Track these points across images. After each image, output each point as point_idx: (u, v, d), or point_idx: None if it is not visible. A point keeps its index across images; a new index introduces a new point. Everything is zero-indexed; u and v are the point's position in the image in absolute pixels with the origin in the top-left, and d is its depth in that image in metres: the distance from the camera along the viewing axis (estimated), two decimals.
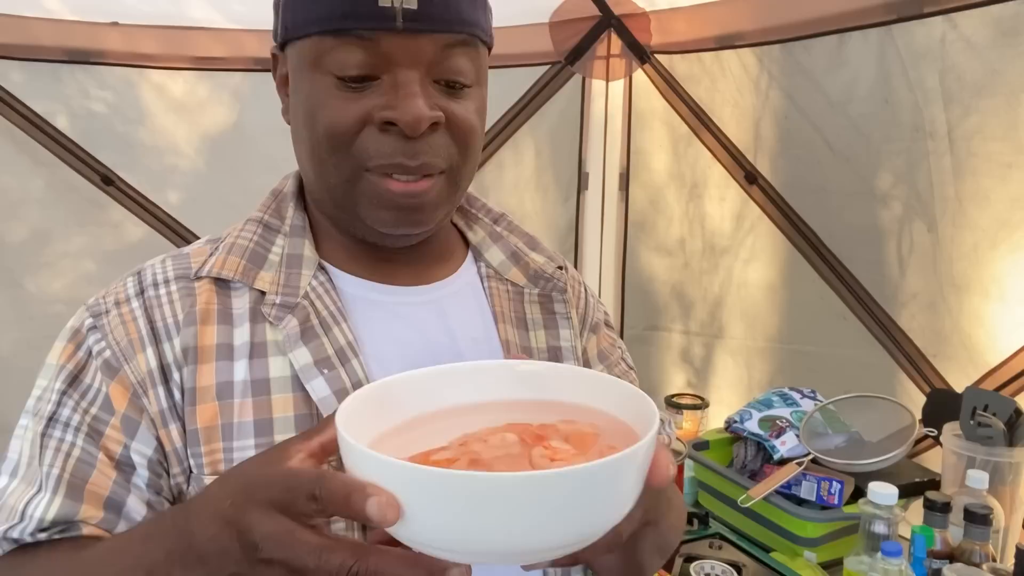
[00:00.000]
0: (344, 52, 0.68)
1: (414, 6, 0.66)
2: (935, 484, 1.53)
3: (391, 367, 0.67)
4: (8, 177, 2.28)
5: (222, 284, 0.74)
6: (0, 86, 2.17)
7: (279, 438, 0.68)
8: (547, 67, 2.53)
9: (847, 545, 1.37)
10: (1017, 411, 1.45)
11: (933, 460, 1.71)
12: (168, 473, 0.70)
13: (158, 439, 0.70)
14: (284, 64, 0.75)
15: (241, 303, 0.73)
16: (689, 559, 1.39)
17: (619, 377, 0.69)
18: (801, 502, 1.53)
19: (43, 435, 0.69)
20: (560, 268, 0.89)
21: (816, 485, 1.52)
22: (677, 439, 1.65)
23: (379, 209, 0.72)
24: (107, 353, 0.71)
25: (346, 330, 0.73)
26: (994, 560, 1.27)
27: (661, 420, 0.73)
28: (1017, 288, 1.62)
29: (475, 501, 0.44)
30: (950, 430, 1.52)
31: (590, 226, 2.72)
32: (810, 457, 1.56)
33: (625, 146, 2.61)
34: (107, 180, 2.33)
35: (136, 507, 0.69)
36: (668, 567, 1.36)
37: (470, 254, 0.87)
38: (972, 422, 1.46)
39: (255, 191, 2.69)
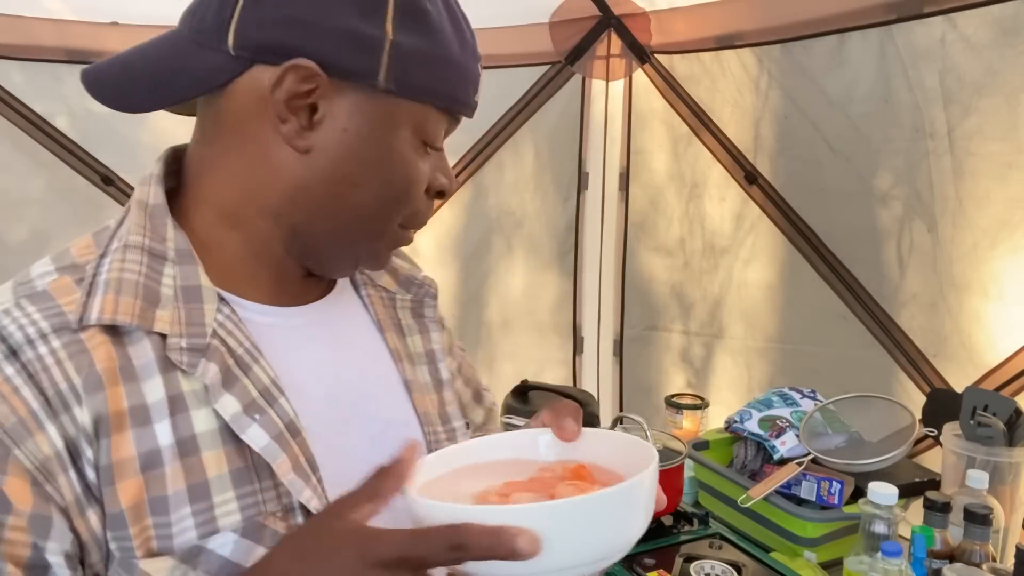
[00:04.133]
0: (442, 126, 0.72)
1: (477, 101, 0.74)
2: (935, 484, 1.53)
3: (313, 399, 0.70)
4: (8, 177, 2.28)
5: (112, 331, 0.62)
6: (0, 86, 2.18)
7: (218, 499, 0.62)
8: (547, 67, 2.54)
9: (847, 545, 1.37)
10: (1017, 411, 1.45)
11: (933, 460, 1.71)
12: (83, 564, 0.61)
13: (74, 530, 0.59)
14: (327, 90, 0.66)
15: (141, 351, 0.63)
16: (689, 559, 1.39)
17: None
18: (801, 502, 1.53)
19: None
20: (423, 275, 0.92)
21: (816, 485, 1.52)
22: (677, 439, 1.66)
23: (381, 255, 0.76)
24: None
25: (265, 366, 0.68)
26: (994, 560, 1.27)
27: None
28: (1017, 288, 1.62)
29: (602, 515, 0.56)
30: (950, 430, 1.52)
31: (590, 226, 2.72)
32: (810, 457, 1.56)
33: (625, 146, 2.61)
34: (107, 180, 2.33)
35: None
36: (668, 567, 1.36)
37: None
38: (972, 422, 1.46)
39: None
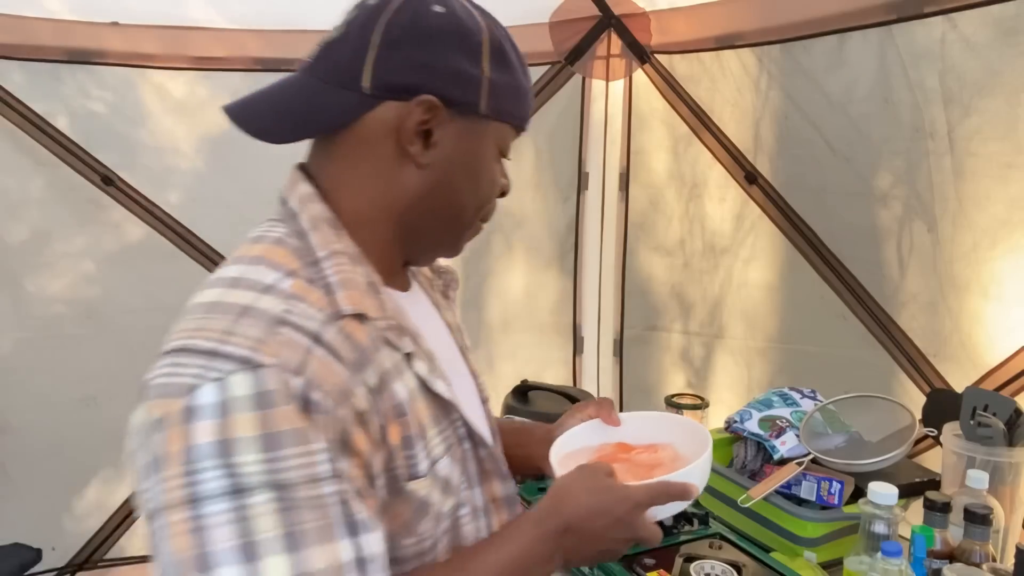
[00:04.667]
0: (512, 139, 0.92)
1: None
2: (935, 484, 1.53)
3: (439, 356, 0.91)
4: (8, 177, 2.28)
5: (352, 318, 0.78)
6: (0, 86, 2.18)
7: (430, 435, 0.84)
8: (547, 67, 2.54)
9: (847, 545, 1.37)
10: (1017, 411, 1.45)
11: (933, 460, 1.71)
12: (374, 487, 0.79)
13: (380, 464, 0.78)
14: (442, 119, 0.84)
15: (368, 331, 0.80)
16: (689, 559, 1.39)
17: None
18: (801, 502, 1.53)
19: (339, 491, 0.71)
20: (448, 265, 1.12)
21: (816, 485, 1.52)
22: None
23: (460, 245, 0.95)
24: (329, 402, 0.72)
25: (423, 340, 0.88)
26: (994, 560, 1.27)
27: None
28: (1017, 288, 1.62)
29: (708, 465, 1.00)
30: (950, 430, 1.52)
31: (590, 226, 2.72)
32: (810, 457, 1.56)
33: (625, 146, 2.61)
34: (107, 180, 2.33)
35: (378, 522, 0.75)
36: (668, 567, 1.36)
37: None
38: (972, 422, 1.46)
39: (254, 191, 2.68)
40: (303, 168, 0.89)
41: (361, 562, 0.71)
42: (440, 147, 0.85)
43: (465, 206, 0.90)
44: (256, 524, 0.66)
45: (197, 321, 0.75)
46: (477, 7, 0.88)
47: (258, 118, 0.87)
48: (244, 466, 0.66)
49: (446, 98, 0.83)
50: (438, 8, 0.83)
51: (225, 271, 0.80)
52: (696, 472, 0.95)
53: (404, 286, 0.95)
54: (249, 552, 0.65)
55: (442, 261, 1.07)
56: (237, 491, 0.66)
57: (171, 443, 0.67)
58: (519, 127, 0.92)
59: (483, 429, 0.95)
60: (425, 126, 0.83)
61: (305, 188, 0.86)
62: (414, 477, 0.81)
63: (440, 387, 0.86)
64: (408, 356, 0.83)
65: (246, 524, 0.66)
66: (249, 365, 0.69)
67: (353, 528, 0.71)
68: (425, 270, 1.07)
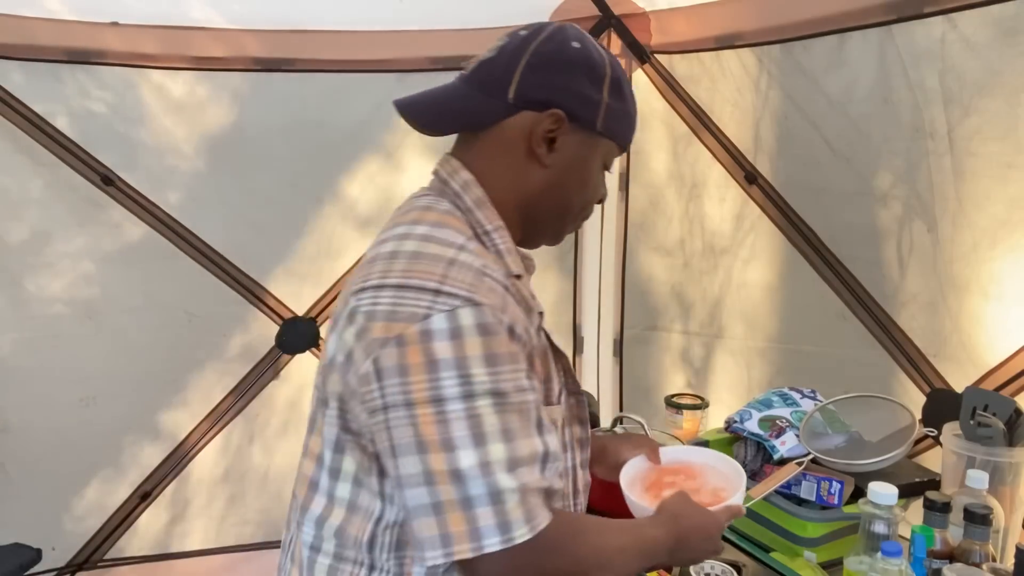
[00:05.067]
0: (615, 156, 1.14)
1: None
2: (935, 484, 1.53)
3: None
4: (8, 177, 2.28)
5: (516, 277, 1.02)
6: (0, 86, 2.17)
7: (554, 378, 1.06)
8: None
9: (847, 545, 1.37)
10: (1017, 411, 1.45)
11: (933, 460, 1.71)
12: None
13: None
14: (569, 131, 1.04)
15: (525, 289, 1.04)
16: None
17: None
18: (801, 502, 1.53)
19: (534, 401, 0.96)
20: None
21: (816, 485, 1.52)
22: (677, 439, 1.66)
23: (565, 232, 1.16)
24: (524, 334, 0.97)
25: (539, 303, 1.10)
26: (994, 560, 1.27)
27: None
28: (1017, 288, 1.62)
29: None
30: (950, 430, 1.52)
31: (590, 226, 2.72)
32: (810, 457, 1.56)
33: None
34: (107, 180, 2.33)
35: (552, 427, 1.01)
36: (668, 567, 1.36)
37: None
38: (972, 422, 1.46)
39: (255, 191, 2.69)
40: (456, 156, 1.08)
41: (546, 455, 0.95)
42: (561, 152, 1.04)
43: (573, 203, 1.10)
44: (483, 420, 0.89)
45: (407, 264, 0.94)
46: (605, 48, 1.09)
47: (423, 114, 1.07)
48: (474, 377, 0.89)
49: (571, 114, 1.03)
50: (576, 44, 1.04)
51: (409, 229, 0.99)
52: (741, 496, 1.19)
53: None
54: (479, 440, 0.89)
55: (525, 251, 1.26)
56: (469, 395, 0.89)
57: (412, 356, 0.89)
58: (623, 146, 1.13)
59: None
60: (551, 134, 1.03)
61: (467, 175, 1.04)
62: (549, 403, 1.04)
63: (559, 343, 1.11)
64: (540, 315, 1.06)
65: (476, 420, 0.89)
66: (471, 303, 0.91)
67: (541, 428, 0.96)
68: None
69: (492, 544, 0.89)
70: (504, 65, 1.03)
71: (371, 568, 0.98)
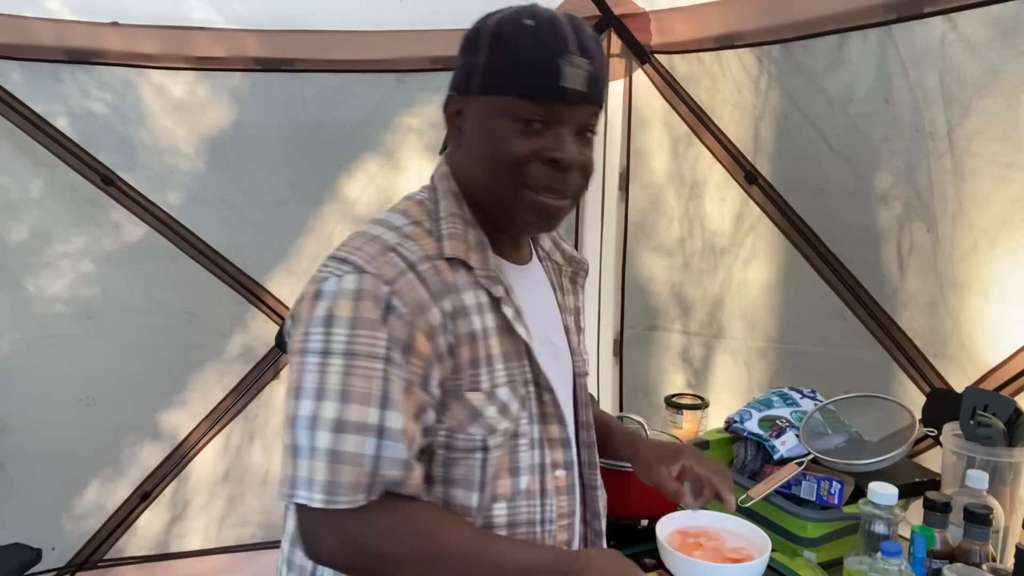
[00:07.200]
0: (531, 109, 1.00)
1: (583, 89, 1.00)
2: (935, 484, 1.53)
3: (531, 321, 1.08)
4: (8, 177, 2.28)
5: (449, 263, 1.02)
6: (0, 86, 2.17)
7: (497, 367, 1.04)
8: None
9: (847, 545, 1.37)
10: (1017, 411, 1.45)
11: (933, 460, 1.71)
12: (441, 391, 1.00)
13: (441, 369, 0.99)
14: (463, 104, 1.04)
15: (461, 276, 1.02)
16: None
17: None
18: (801, 502, 1.53)
19: (384, 371, 0.94)
20: (582, 256, 1.32)
21: (816, 485, 1.52)
22: (677, 439, 1.66)
23: (530, 214, 1.05)
24: (406, 311, 0.96)
25: (515, 297, 1.07)
26: (994, 560, 1.27)
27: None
28: (1016, 288, 1.62)
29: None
30: (950, 430, 1.52)
31: (590, 226, 2.72)
32: (810, 457, 1.56)
33: (625, 146, 2.61)
34: (107, 180, 2.33)
35: (430, 414, 0.99)
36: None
37: (530, 241, 1.21)
38: (972, 422, 1.46)
39: (255, 191, 2.69)
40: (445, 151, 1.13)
41: (381, 430, 0.93)
42: (464, 128, 1.05)
43: (491, 168, 1.04)
44: (329, 377, 0.94)
45: (345, 240, 1.03)
46: (536, 8, 1.04)
47: None
48: (335, 335, 0.94)
49: (459, 88, 1.04)
50: (485, 20, 1.04)
51: (379, 215, 1.07)
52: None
53: (521, 260, 1.14)
54: (320, 394, 0.93)
55: (576, 253, 1.29)
56: (326, 352, 0.94)
57: (304, 311, 0.98)
58: (526, 95, 1.00)
59: (556, 382, 1.11)
60: (453, 116, 1.06)
61: (444, 168, 1.09)
62: (473, 390, 1.02)
63: (521, 329, 1.05)
64: (497, 300, 1.04)
65: (324, 375, 0.94)
66: (359, 270, 0.97)
67: (385, 402, 0.94)
68: (558, 257, 1.26)
69: (301, 497, 0.92)
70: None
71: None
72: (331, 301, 0.96)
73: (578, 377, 1.23)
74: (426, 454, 1.02)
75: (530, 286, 1.15)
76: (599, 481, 1.24)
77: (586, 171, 1.06)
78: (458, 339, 1.00)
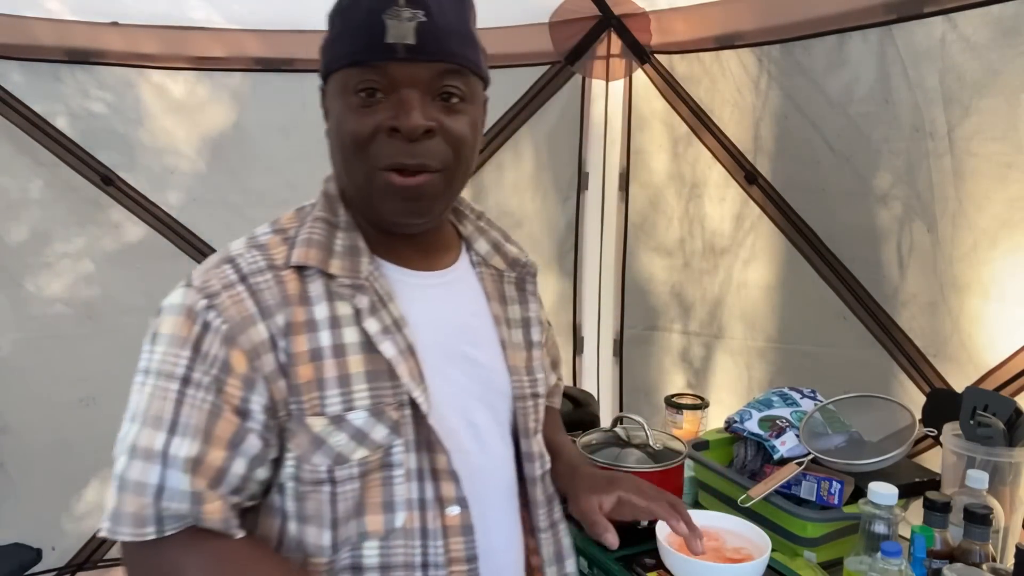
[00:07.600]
0: (362, 76, 0.90)
1: (412, 42, 0.88)
2: (935, 484, 1.53)
3: (427, 336, 0.97)
4: (8, 177, 2.28)
5: (301, 271, 0.93)
6: (0, 86, 2.17)
7: (356, 388, 0.91)
8: (547, 67, 2.54)
9: (847, 545, 1.37)
10: (1017, 411, 1.45)
11: (933, 460, 1.71)
12: (276, 416, 0.90)
13: (270, 391, 0.89)
14: (326, 94, 0.97)
15: (316, 287, 0.93)
16: None
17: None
18: (801, 502, 1.53)
19: (179, 392, 0.87)
20: (528, 259, 1.18)
21: (816, 485, 1.52)
22: (677, 439, 1.66)
23: (388, 200, 0.94)
24: (225, 327, 0.88)
25: (394, 308, 0.96)
26: (994, 560, 1.27)
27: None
28: (1017, 289, 1.62)
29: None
30: (950, 430, 1.52)
31: (590, 226, 2.72)
32: (810, 457, 1.56)
33: (625, 146, 2.61)
34: (107, 180, 2.33)
35: (253, 442, 0.89)
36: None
37: (463, 245, 1.11)
38: (972, 422, 1.46)
39: (254, 191, 2.69)
40: None
41: (165, 456, 0.85)
42: (329, 116, 0.98)
43: (342, 163, 0.96)
44: (138, 398, 0.89)
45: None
46: None
47: None
48: (152, 353, 0.90)
49: (323, 78, 0.97)
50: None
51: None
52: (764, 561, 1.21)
53: (434, 266, 1.03)
54: (129, 415, 0.89)
55: (521, 256, 1.16)
56: (144, 370, 0.90)
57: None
58: (355, 63, 0.91)
59: (456, 406, 0.99)
60: (326, 109, 0.98)
61: (331, 173, 1.02)
62: (316, 414, 0.90)
63: (387, 348, 0.93)
64: (358, 313, 0.93)
65: (136, 396, 0.90)
66: (187, 284, 0.91)
67: (173, 427, 0.86)
68: (498, 261, 1.12)
69: (103, 528, 0.87)
70: None
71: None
72: (160, 317, 0.91)
73: (518, 400, 1.07)
74: (276, 486, 0.92)
75: (440, 295, 1.03)
76: (558, 517, 1.12)
77: (452, 139, 0.92)
78: (293, 357, 0.89)
